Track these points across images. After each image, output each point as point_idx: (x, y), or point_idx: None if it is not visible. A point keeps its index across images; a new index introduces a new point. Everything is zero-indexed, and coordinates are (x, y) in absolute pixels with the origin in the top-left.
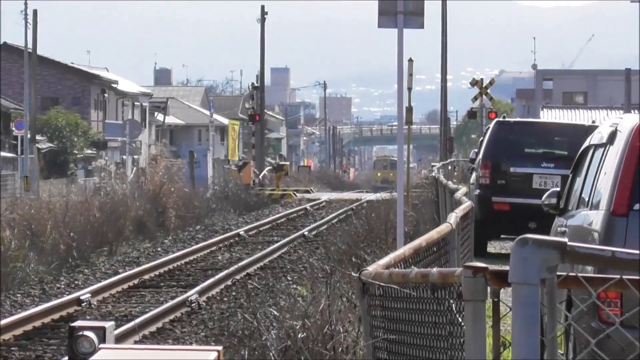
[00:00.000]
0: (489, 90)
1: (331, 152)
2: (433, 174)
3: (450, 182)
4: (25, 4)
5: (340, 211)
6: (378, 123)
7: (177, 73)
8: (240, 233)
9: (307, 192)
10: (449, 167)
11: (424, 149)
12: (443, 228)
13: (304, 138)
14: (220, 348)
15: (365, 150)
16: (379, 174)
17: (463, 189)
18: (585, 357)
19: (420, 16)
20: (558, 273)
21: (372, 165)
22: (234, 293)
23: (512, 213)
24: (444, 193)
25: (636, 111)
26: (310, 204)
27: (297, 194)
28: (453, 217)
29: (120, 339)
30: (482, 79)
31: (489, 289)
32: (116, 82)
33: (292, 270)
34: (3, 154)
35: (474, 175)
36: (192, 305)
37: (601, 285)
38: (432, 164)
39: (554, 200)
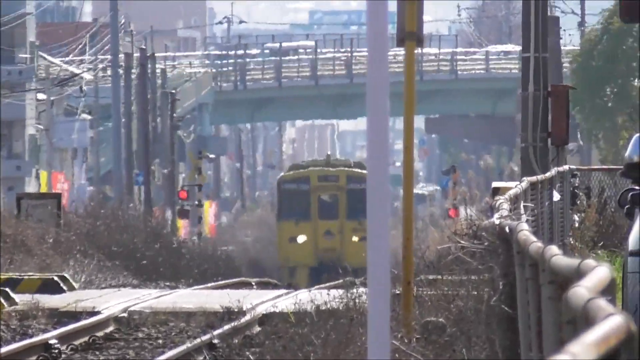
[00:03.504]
0: None
1: (133, 147)
2: (495, 219)
3: (554, 249)
4: None
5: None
6: (298, 37)
7: None
8: None
9: (47, 285)
10: (556, 197)
11: (469, 130)
12: None
13: (37, 97)
14: None
15: (260, 138)
16: (296, 234)
17: (601, 272)
18: None
19: None
20: None
21: (276, 195)
22: None
23: None
24: (533, 284)
25: None
26: (58, 331)
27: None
28: None
29: None
30: None
31: None
32: None
33: None
34: None
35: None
36: None
37: None
38: (494, 185)
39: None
